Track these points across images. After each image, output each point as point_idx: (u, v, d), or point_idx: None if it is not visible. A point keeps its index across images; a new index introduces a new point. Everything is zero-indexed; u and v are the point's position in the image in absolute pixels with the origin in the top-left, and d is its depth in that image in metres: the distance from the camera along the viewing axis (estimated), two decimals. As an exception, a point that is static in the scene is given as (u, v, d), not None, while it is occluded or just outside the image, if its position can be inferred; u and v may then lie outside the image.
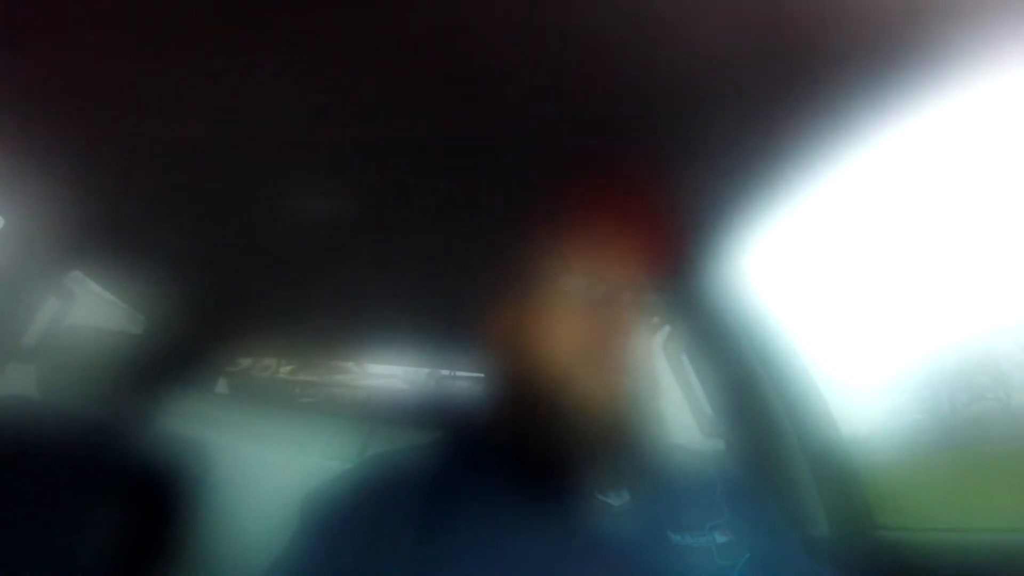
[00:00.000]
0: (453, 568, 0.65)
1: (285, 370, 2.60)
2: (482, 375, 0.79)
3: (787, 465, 1.17)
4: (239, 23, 0.71)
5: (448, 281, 1.33)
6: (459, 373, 2.15)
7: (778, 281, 1.28)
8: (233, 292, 1.58)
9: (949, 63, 0.73)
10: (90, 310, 1.50)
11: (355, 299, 1.56)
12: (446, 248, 1.22)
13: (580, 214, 0.78)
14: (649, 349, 1.48)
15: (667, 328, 1.44)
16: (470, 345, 0.80)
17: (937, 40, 0.70)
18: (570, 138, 0.89)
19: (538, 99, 0.82)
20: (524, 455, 0.71)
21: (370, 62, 0.75)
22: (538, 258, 0.76)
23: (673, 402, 1.43)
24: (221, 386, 2.24)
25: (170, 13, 0.70)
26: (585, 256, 0.76)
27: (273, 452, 1.66)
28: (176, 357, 1.66)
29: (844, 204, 1.07)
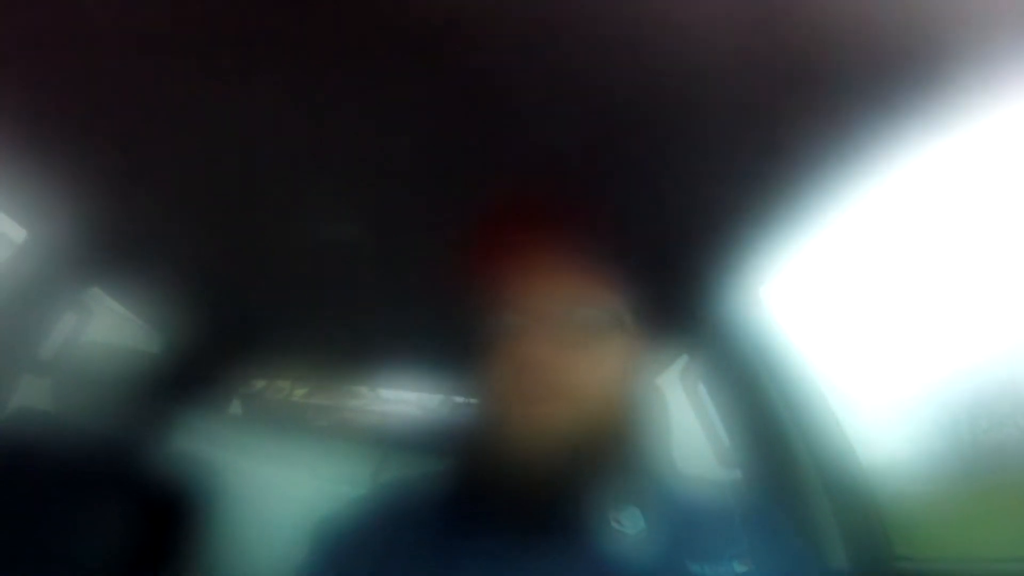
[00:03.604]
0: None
1: (299, 393, 2.60)
2: (480, 403, 0.78)
3: (805, 495, 1.16)
4: (254, 38, 0.72)
5: (462, 304, 1.33)
6: (472, 401, 2.14)
7: (795, 309, 1.27)
8: (249, 313, 1.59)
9: (967, 73, 0.72)
10: (107, 327, 1.51)
11: (370, 323, 1.56)
12: (462, 269, 1.22)
13: (591, 240, 0.78)
14: (658, 376, 1.48)
15: (684, 357, 1.43)
16: (472, 371, 0.79)
17: (951, 50, 0.69)
18: (580, 163, 0.89)
19: (548, 118, 0.82)
20: (536, 483, 0.70)
21: (381, 68, 0.76)
22: (545, 284, 0.75)
23: (690, 432, 1.42)
24: (235, 407, 2.25)
25: (193, 30, 0.71)
26: (596, 284, 0.76)
27: (286, 475, 1.66)
28: (191, 377, 1.67)
29: (862, 229, 1.06)
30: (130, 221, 1.14)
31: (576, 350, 0.71)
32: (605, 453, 0.70)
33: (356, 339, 1.72)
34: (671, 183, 0.93)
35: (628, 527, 0.71)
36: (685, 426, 1.44)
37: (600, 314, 0.74)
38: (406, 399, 2.53)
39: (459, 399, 2.27)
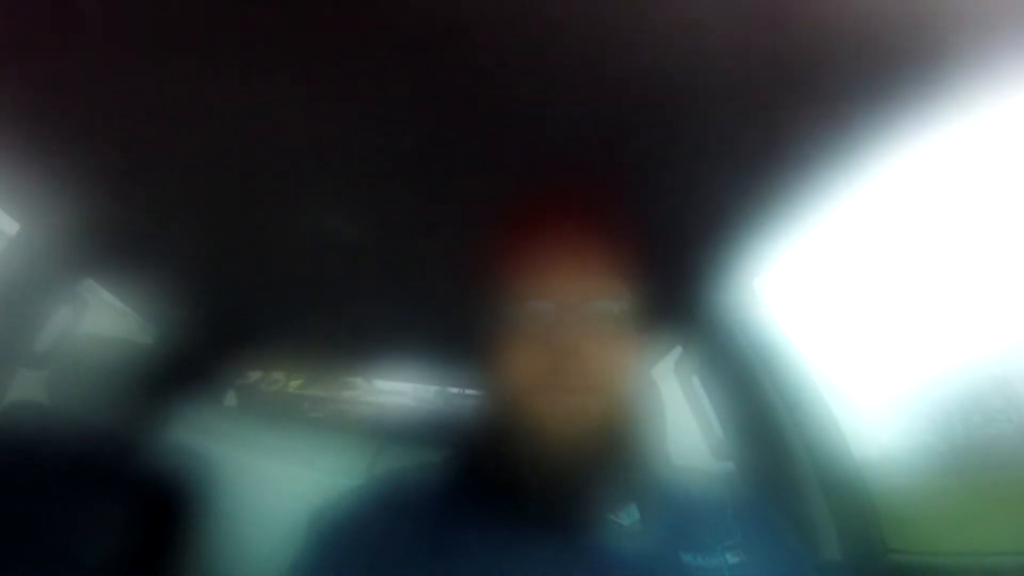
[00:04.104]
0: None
1: (294, 384, 2.61)
2: (487, 394, 0.78)
3: (799, 488, 1.17)
4: (251, 36, 0.72)
5: (459, 297, 1.34)
6: (468, 391, 2.15)
7: (790, 302, 1.28)
8: (244, 305, 1.59)
9: (966, 72, 0.72)
10: (102, 319, 1.51)
11: (365, 314, 1.56)
12: (457, 263, 1.22)
13: (591, 235, 0.78)
14: (655, 368, 1.48)
15: (679, 349, 1.44)
16: (478, 363, 0.79)
17: (950, 49, 0.70)
18: (576, 153, 0.89)
19: (548, 117, 0.82)
20: (531, 475, 0.71)
21: (381, 68, 0.76)
22: (541, 276, 0.76)
23: (684, 424, 1.43)
24: (230, 399, 2.25)
25: (193, 30, 0.71)
26: (592, 275, 0.76)
27: (281, 466, 1.67)
28: (186, 369, 1.67)
29: (857, 222, 1.07)
30: (127, 216, 1.14)
31: (579, 344, 0.72)
32: (613, 444, 0.71)
33: (356, 333, 1.72)
34: (669, 178, 0.93)
35: (623, 518, 0.72)
36: (680, 418, 1.45)
37: (601, 307, 0.75)
38: (404, 390, 2.54)
39: (456, 390, 2.28)
